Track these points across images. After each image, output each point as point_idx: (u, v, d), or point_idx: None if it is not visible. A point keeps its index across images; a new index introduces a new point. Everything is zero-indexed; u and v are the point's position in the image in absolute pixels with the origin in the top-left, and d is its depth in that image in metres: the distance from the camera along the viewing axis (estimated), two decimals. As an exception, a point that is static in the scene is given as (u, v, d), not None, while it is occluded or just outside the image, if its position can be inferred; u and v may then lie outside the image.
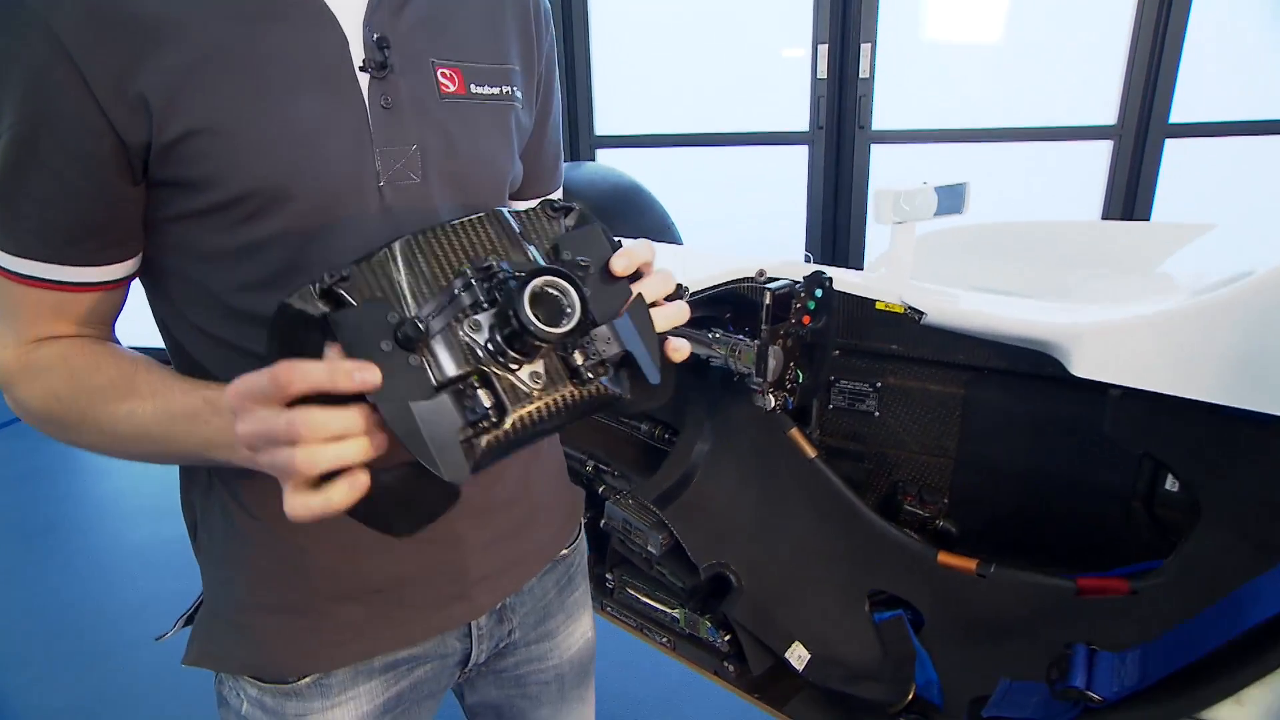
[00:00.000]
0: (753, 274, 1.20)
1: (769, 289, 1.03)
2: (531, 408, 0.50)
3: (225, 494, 0.68)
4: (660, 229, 2.14)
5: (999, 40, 3.34)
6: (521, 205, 0.85)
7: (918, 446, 1.26)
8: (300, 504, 0.45)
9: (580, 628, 0.89)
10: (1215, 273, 1.15)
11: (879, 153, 3.55)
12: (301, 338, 0.47)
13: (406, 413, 0.45)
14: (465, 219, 0.53)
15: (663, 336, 0.56)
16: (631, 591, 1.38)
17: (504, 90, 0.69)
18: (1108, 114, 3.25)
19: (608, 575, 1.41)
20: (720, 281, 1.21)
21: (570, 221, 0.57)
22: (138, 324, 0.71)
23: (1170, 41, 3.07)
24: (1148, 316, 0.92)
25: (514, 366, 0.49)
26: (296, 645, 0.68)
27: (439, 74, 0.64)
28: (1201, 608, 0.86)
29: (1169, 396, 0.89)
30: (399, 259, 0.50)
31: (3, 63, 0.52)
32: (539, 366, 0.50)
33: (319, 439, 0.44)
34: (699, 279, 1.20)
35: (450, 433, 0.47)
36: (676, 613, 1.32)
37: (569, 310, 0.48)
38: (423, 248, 0.51)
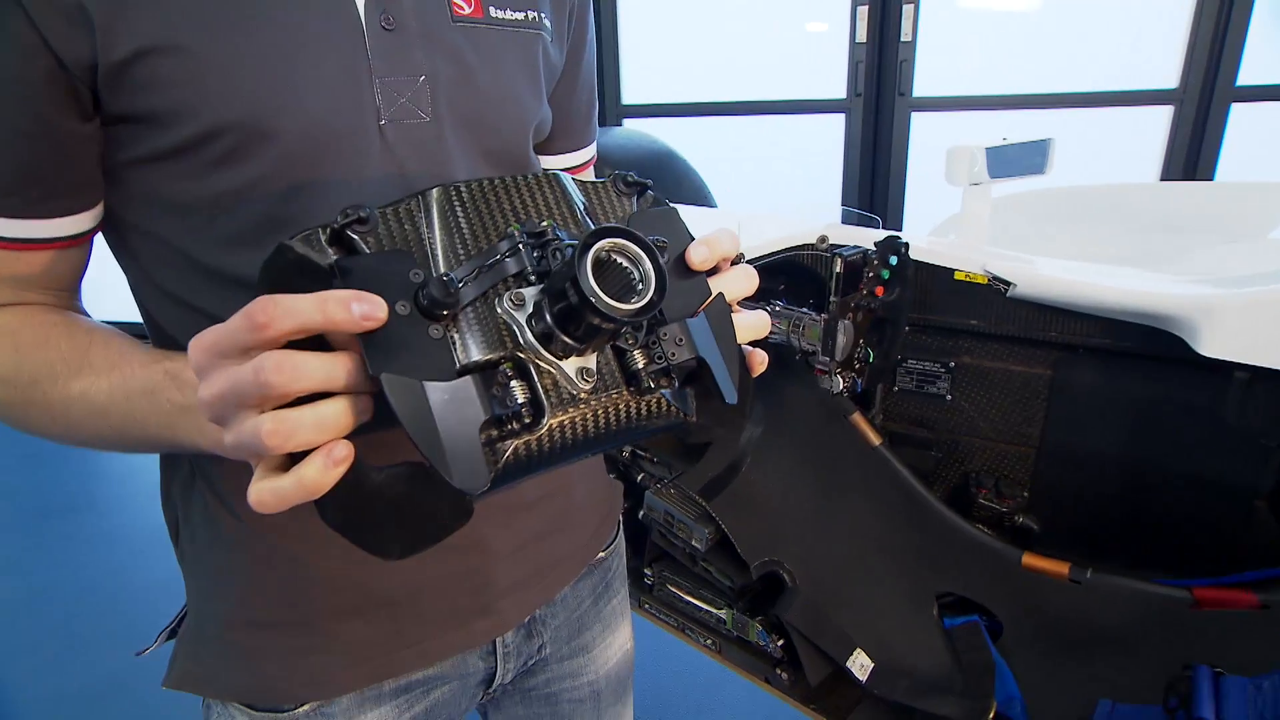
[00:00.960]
0: (813, 240, 1.08)
1: (841, 255, 0.90)
2: (575, 414, 0.39)
3: (206, 489, 0.57)
4: (697, 198, 2.02)
5: (1045, 2, 3.15)
6: (555, 162, 0.74)
7: (995, 433, 1.13)
8: (266, 487, 0.34)
9: (618, 639, 0.79)
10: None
11: (919, 121, 3.38)
12: (299, 291, 0.36)
13: (416, 392, 0.34)
14: (519, 176, 0.43)
15: (741, 349, 0.46)
16: (673, 589, 1.27)
17: (529, 16, 0.58)
18: (1168, 78, 3.04)
19: (646, 571, 1.30)
20: (778, 248, 1.08)
21: (644, 203, 0.47)
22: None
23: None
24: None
25: (560, 357, 0.38)
26: (293, 668, 0.58)
27: None
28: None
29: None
30: (433, 211, 0.40)
31: None
32: (590, 362, 0.40)
33: (294, 389, 0.34)
34: (753, 246, 1.07)
35: (469, 426, 0.36)
36: (723, 613, 1.21)
37: (639, 286, 0.37)
38: (464, 201, 0.40)
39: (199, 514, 0.59)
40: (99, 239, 0.54)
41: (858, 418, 1.12)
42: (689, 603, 1.26)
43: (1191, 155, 3.11)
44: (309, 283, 0.36)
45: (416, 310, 0.35)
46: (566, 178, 0.44)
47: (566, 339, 0.37)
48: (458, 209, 0.40)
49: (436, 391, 0.35)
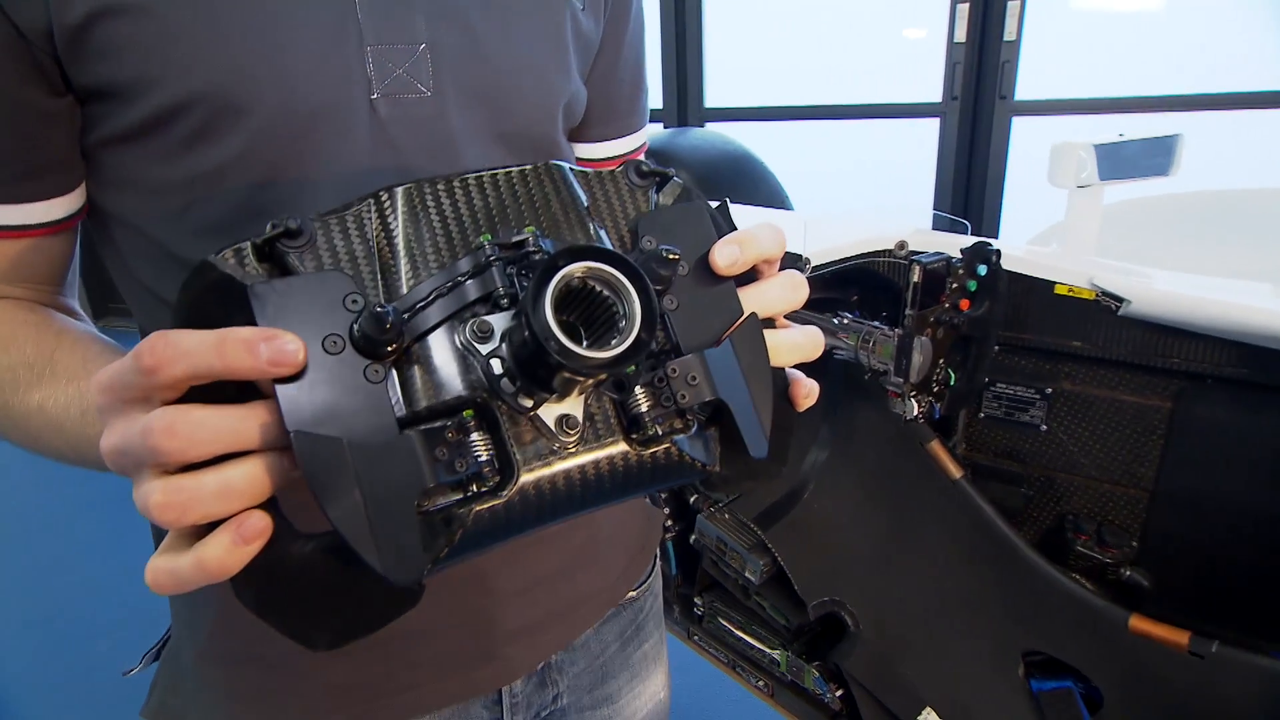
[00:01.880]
0: (890, 246, 0.97)
1: (919, 262, 0.79)
2: (555, 471, 0.31)
3: None
4: (773, 203, 1.91)
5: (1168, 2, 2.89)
6: (595, 151, 0.65)
7: (1099, 471, 0.98)
8: (162, 566, 0.28)
9: (649, 688, 0.70)
10: None
11: (1020, 126, 3.16)
12: (218, 319, 0.29)
13: (334, 453, 0.27)
14: (504, 169, 0.35)
15: (782, 378, 0.37)
16: (724, 622, 1.17)
17: None
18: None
19: (697, 600, 1.21)
20: (849, 254, 0.98)
21: (665, 198, 0.38)
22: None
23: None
24: None
25: (532, 402, 0.30)
26: (269, 710, 0.52)
27: None
28: None
29: None
30: (391, 217, 0.32)
31: None
32: (574, 408, 0.31)
33: (189, 455, 0.27)
34: (821, 250, 0.97)
35: (404, 499, 0.28)
36: (777, 654, 1.10)
37: (623, 324, 0.29)
38: (430, 204, 0.33)
39: None
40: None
41: (936, 446, 1.00)
42: (740, 639, 1.16)
43: (1338, 163, 2.79)
44: (233, 311, 0.29)
45: (351, 345, 0.28)
46: (566, 168, 0.36)
47: (537, 389, 0.30)
48: (420, 215, 0.32)
49: (362, 453, 0.27)
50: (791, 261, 0.96)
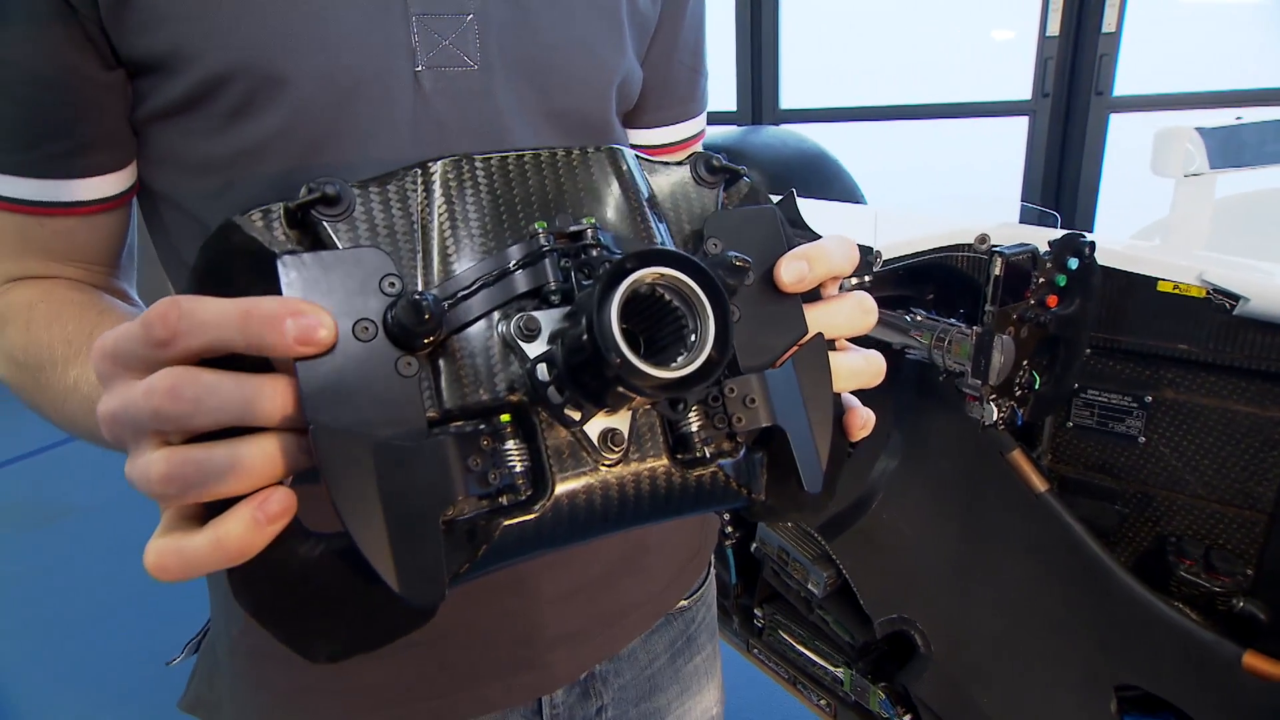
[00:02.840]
0: (970, 240, 0.90)
1: (1001, 253, 0.73)
2: (590, 486, 0.28)
3: None
4: (849, 203, 1.84)
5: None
6: (650, 136, 0.62)
7: (1206, 490, 0.89)
8: (168, 546, 0.25)
9: (701, 703, 0.66)
10: None
11: (1118, 123, 2.98)
12: (238, 287, 0.27)
13: (358, 455, 0.24)
14: (564, 150, 0.32)
15: (838, 405, 0.33)
16: (785, 636, 1.12)
17: None
18: None
19: (757, 611, 1.16)
20: (924, 248, 0.91)
21: (731, 198, 0.35)
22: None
23: None
24: None
25: (580, 415, 0.27)
26: (301, 707, 0.51)
27: None
28: None
29: None
30: (435, 190, 0.29)
31: None
32: (622, 421, 0.29)
33: (196, 423, 0.24)
34: (895, 244, 0.91)
35: (429, 513, 0.25)
36: (840, 672, 1.04)
37: (691, 339, 0.26)
38: (481, 181, 0.30)
39: None
40: None
41: (1018, 456, 0.92)
42: (802, 654, 1.10)
43: None
44: (256, 279, 0.27)
45: (384, 334, 0.26)
46: (629, 154, 0.33)
47: (587, 402, 0.27)
48: (469, 192, 0.30)
49: (388, 457, 0.24)
50: (861, 255, 0.90)
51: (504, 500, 0.27)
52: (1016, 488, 0.93)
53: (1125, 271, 0.84)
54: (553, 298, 0.28)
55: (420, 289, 0.27)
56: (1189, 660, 0.82)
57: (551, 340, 0.27)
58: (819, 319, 0.32)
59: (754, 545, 1.09)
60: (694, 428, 0.29)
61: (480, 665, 0.52)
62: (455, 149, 0.43)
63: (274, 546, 0.25)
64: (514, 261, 0.28)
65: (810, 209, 1.13)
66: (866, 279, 0.92)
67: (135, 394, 0.25)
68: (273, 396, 0.25)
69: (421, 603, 0.24)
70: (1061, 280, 0.77)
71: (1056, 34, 2.92)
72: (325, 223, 0.28)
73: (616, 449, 0.28)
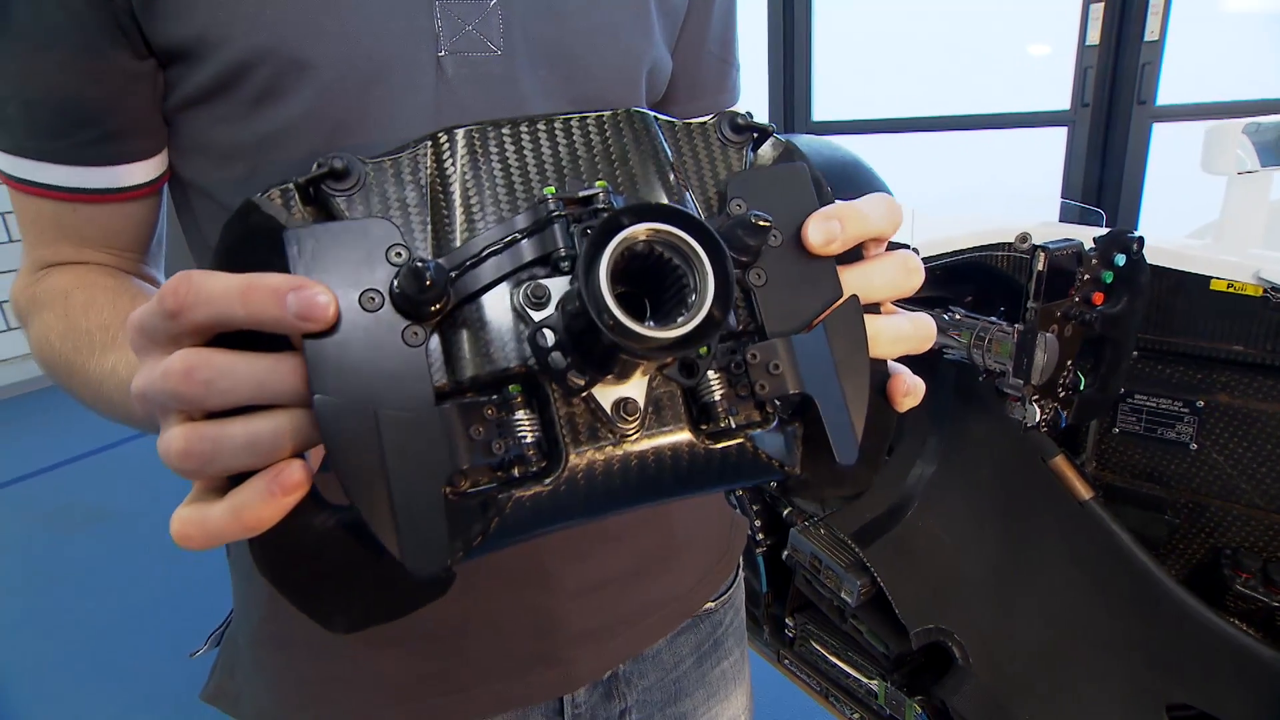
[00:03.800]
0: (1011, 240, 0.87)
1: (1044, 249, 0.70)
2: (607, 458, 0.27)
3: None
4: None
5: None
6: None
7: (1264, 499, 0.85)
8: (190, 516, 0.25)
9: (729, 710, 0.64)
10: None
11: (1161, 133, 2.91)
12: (258, 263, 0.27)
13: (362, 424, 0.24)
14: (579, 114, 0.31)
15: (881, 372, 0.32)
16: (817, 646, 1.09)
17: None
18: None
19: (788, 620, 1.13)
20: (963, 247, 0.89)
21: (762, 158, 0.33)
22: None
23: None
24: None
25: (584, 381, 0.26)
26: (319, 698, 0.50)
27: None
28: None
29: None
30: (453, 161, 0.29)
31: None
32: (636, 389, 0.27)
33: (210, 403, 0.25)
34: (932, 242, 0.89)
35: (431, 482, 0.25)
36: (875, 684, 1.01)
37: (692, 298, 0.24)
38: (494, 150, 0.29)
39: None
40: None
41: (1061, 462, 0.89)
42: (834, 665, 1.07)
43: None
44: (274, 255, 0.27)
45: (390, 304, 0.25)
46: (650, 116, 0.32)
47: (592, 369, 0.26)
48: (481, 161, 0.29)
49: (391, 427, 0.24)
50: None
51: (517, 472, 0.26)
52: (1059, 495, 0.90)
53: (1175, 270, 0.81)
54: (562, 264, 0.27)
55: (428, 259, 0.26)
56: (1246, 679, 0.78)
57: (558, 307, 0.27)
58: (855, 281, 0.30)
59: (785, 553, 1.06)
60: (716, 396, 0.28)
61: (501, 660, 0.51)
62: None
63: (293, 518, 0.25)
64: (522, 228, 0.28)
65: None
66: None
67: (155, 375, 0.25)
68: (285, 375, 0.25)
69: (424, 573, 0.24)
70: (1108, 277, 0.74)
71: (1096, 43, 2.87)
72: (335, 197, 0.28)
73: (631, 418, 0.27)
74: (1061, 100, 2.97)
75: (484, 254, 0.27)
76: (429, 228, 0.28)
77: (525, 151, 0.29)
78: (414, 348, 0.25)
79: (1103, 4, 2.82)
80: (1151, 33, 2.79)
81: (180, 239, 0.54)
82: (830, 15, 3.32)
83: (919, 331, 0.31)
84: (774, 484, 0.31)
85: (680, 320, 0.23)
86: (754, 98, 3.27)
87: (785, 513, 1.16)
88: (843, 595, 0.98)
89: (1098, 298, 0.75)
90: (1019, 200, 3.12)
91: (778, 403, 0.29)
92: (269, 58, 0.41)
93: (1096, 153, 3.00)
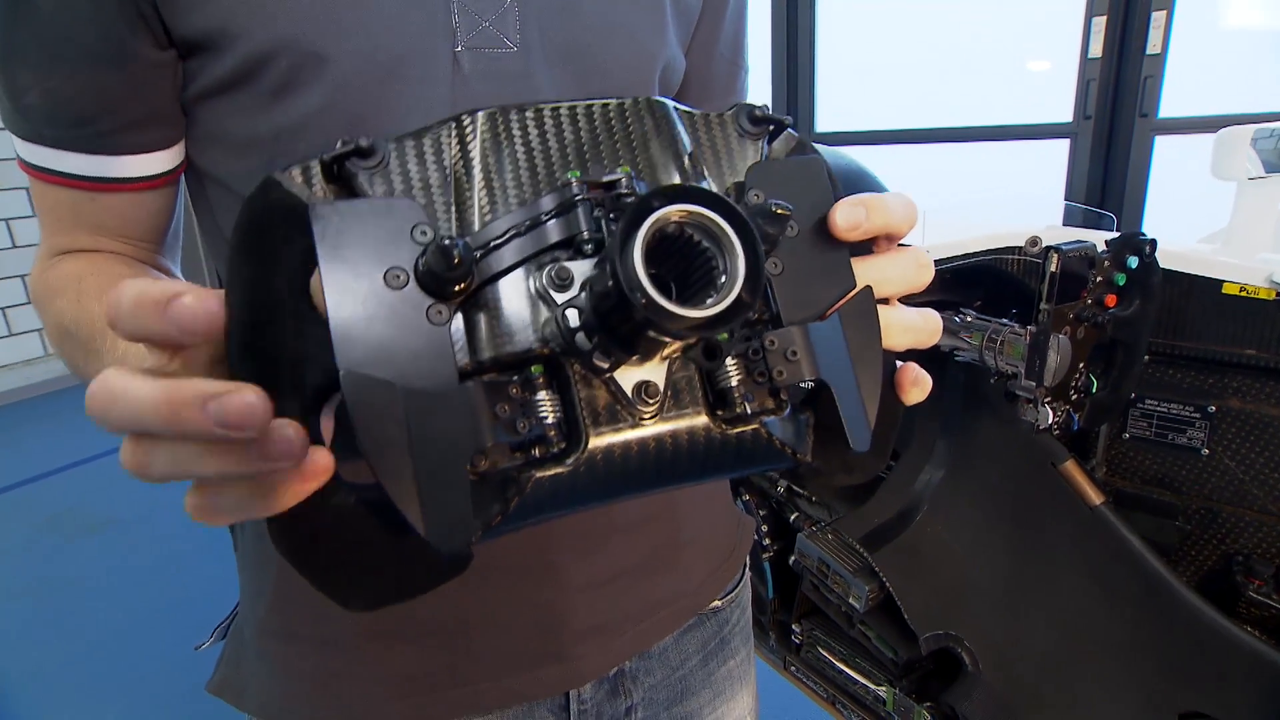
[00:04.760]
0: (1021, 243, 0.87)
1: (1057, 250, 0.70)
2: (626, 440, 0.27)
3: None
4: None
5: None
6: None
7: (1276, 505, 0.84)
8: (197, 499, 0.25)
9: (734, 711, 0.63)
10: None
11: (1163, 145, 2.93)
12: (276, 248, 0.27)
13: (387, 399, 0.24)
14: (601, 100, 0.31)
15: (890, 364, 0.32)
16: (824, 653, 1.08)
17: None
18: None
19: (795, 627, 1.12)
20: (972, 250, 0.89)
21: (777, 150, 0.34)
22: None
23: None
24: None
25: (614, 363, 0.27)
26: (325, 691, 0.50)
27: None
28: None
29: None
30: (473, 144, 0.29)
31: None
32: (657, 373, 0.28)
33: (112, 423, 0.23)
34: (941, 245, 0.89)
35: (457, 458, 0.25)
36: (883, 691, 1.00)
37: (721, 279, 0.24)
38: (516, 133, 0.30)
39: None
40: None
41: (1072, 467, 0.88)
42: (842, 672, 1.06)
43: None
44: (294, 234, 0.27)
45: (415, 282, 0.25)
46: (670, 105, 0.32)
47: (617, 349, 0.26)
48: (504, 144, 0.29)
49: (417, 402, 0.24)
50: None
51: (537, 453, 0.27)
52: (1070, 501, 0.89)
53: (1187, 274, 0.81)
54: (586, 248, 0.27)
55: (455, 237, 0.26)
56: (1260, 687, 0.77)
57: (583, 288, 0.27)
58: (869, 273, 0.30)
59: (792, 558, 1.05)
60: (733, 382, 0.28)
61: (507, 655, 0.50)
62: None
63: (311, 496, 0.25)
64: (546, 211, 0.28)
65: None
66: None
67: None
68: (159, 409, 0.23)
69: (449, 549, 0.24)
70: (1120, 279, 0.74)
71: (1098, 56, 2.89)
72: (359, 175, 0.28)
73: (652, 401, 0.27)
74: (1064, 113, 2.98)
75: (508, 235, 0.27)
76: (452, 209, 0.28)
77: (548, 135, 0.30)
78: (438, 326, 0.25)
79: (1105, 17, 2.84)
80: (1153, 46, 2.81)
81: (195, 232, 0.54)
82: (834, 27, 3.34)
83: (927, 324, 0.32)
84: (785, 472, 0.31)
85: (710, 301, 0.24)
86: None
87: (792, 518, 1.16)
88: (850, 601, 0.97)
89: (1110, 300, 0.75)
90: (1026, 202, 3.13)
91: (791, 390, 0.29)
92: (288, 50, 0.41)
93: (1099, 164, 3.01)
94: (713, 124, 0.33)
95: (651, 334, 0.24)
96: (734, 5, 0.57)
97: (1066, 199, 3.06)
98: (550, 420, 0.27)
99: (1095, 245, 0.74)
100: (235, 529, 0.55)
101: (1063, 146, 3.02)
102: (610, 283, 0.23)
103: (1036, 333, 0.72)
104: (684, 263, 0.25)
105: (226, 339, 0.25)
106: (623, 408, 0.27)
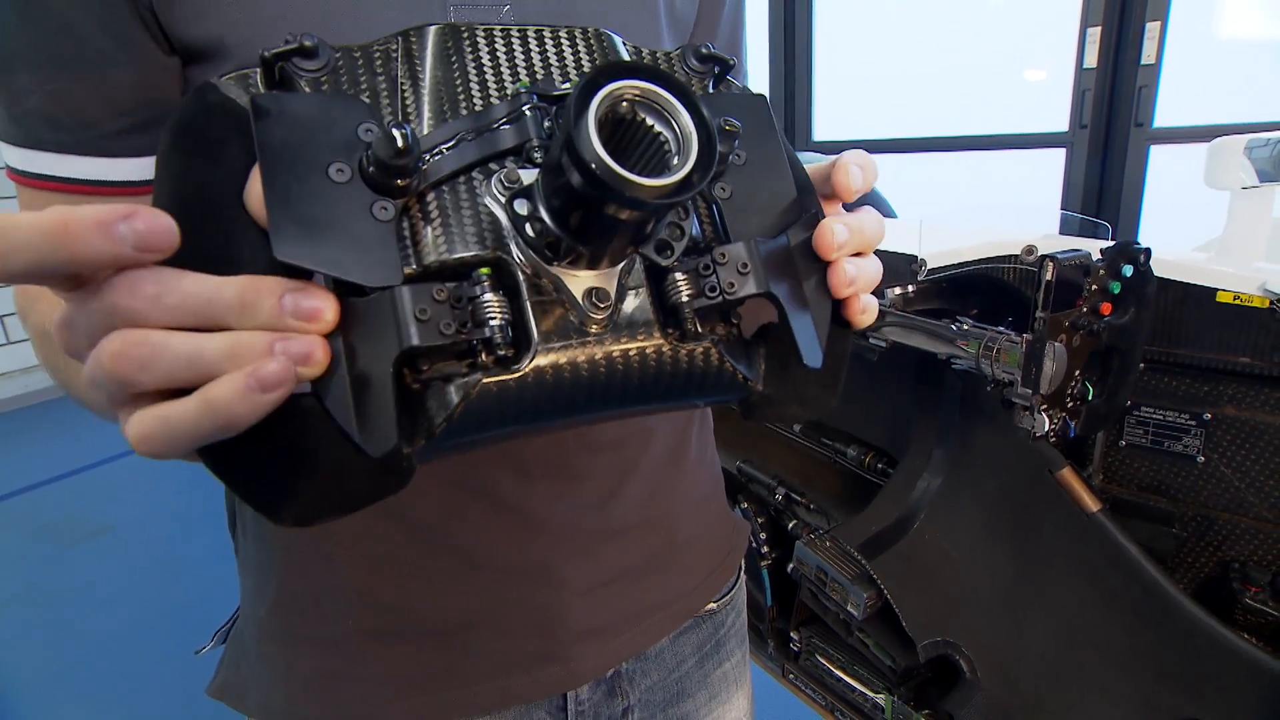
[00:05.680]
0: (1017, 252, 0.88)
1: (1053, 259, 0.71)
2: (577, 354, 0.26)
3: None
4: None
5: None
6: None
7: (1272, 512, 0.85)
8: (147, 415, 0.23)
9: (730, 712, 0.64)
10: None
11: (1158, 155, 2.95)
12: (210, 149, 0.26)
13: None
14: (551, 27, 0.31)
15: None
16: (822, 660, 1.08)
17: None
18: None
19: (793, 634, 1.12)
20: (969, 259, 0.90)
21: (724, 89, 0.35)
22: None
23: None
24: None
25: (564, 268, 0.26)
26: (322, 692, 0.50)
27: None
28: None
29: None
30: (420, 57, 0.29)
31: None
32: (607, 282, 0.27)
33: (150, 381, 0.22)
34: (938, 254, 0.90)
35: (383, 356, 0.24)
36: (881, 698, 1.00)
37: (674, 160, 0.24)
38: (466, 49, 0.29)
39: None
40: None
41: (1068, 475, 0.89)
42: (840, 679, 1.06)
43: None
44: (231, 135, 0.26)
45: (360, 178, 0.25)
46: (617, 38, 0.33)
47: (568, 238, 0.25)
48: (453, 58, 0.29)
49: (345, 305, 0.24)
50: (905, 264, 0.89)
51: (484, 358, 0.26)
52: (1067, 508, 0.89)
53: (1182, 282, 0.82)
54: (535, 155, 0.27)
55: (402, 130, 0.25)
56: (1257, 693, 0.77)
57: (538, 195, 0.26)
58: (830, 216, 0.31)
59: (791, 565, 1.06)
60: (684, 297, 0.28)
61: (504, 656, 0.51)
62: None
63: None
64: (496, 119, 0.27)
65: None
66: (910, 288, 0.91)
67: (94, 364, 0.23)
68: (220, 355, 0.22)
69: (379, 452, 0.23)
70: (1115, 288, 0.75)
71: (1094, 66, 2.90)
72: (303, 79, 0.27)
73: (603, 305, 0.27)
74: (1060, 122, 3.00)
75: (455, 140, 0.27)
76: (399, 115, 0.28)
77: (498, 53, 0.29)
78: (383, 223, 0.25)
79: (1099, 28, 2.86)
80: (1148, 56, 2.83)
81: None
82: (831, 37, 3.36)
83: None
84: (739, 404, 0.31)
85: (664, 173, 0.23)
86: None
87: (790, 525, 1.16)
88: (849, 608, 0.97)
89: (1105, 308, 0.75)
90: (1021, 210, 3.15)
91: (736, 304, 0.29)
92: None
93: (1095, 173, 3.03)
94: (659, 61, 0.33)
95: (609, 211, 0.23)
96: (730, 13, 0.58)
97: (1062, 208, 3.07)
98: (497, 322, 0.25)
99: (1090, 254, 0.74)
100: (237, 533, 0.55)
101: (1058, 155, 3.04)
102: (564, 155, 0.23)
103: (1033, 341, 0.72)
104: (634, 147, 0.25)
105: None
106: (573, 314, 0.26)
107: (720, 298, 0.28)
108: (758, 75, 3.36)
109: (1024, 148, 3.12)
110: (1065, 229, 0.96)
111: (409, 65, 0.28)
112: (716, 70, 0.33)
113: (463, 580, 0.49)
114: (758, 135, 0.31)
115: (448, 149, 0.27)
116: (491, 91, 0.28)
